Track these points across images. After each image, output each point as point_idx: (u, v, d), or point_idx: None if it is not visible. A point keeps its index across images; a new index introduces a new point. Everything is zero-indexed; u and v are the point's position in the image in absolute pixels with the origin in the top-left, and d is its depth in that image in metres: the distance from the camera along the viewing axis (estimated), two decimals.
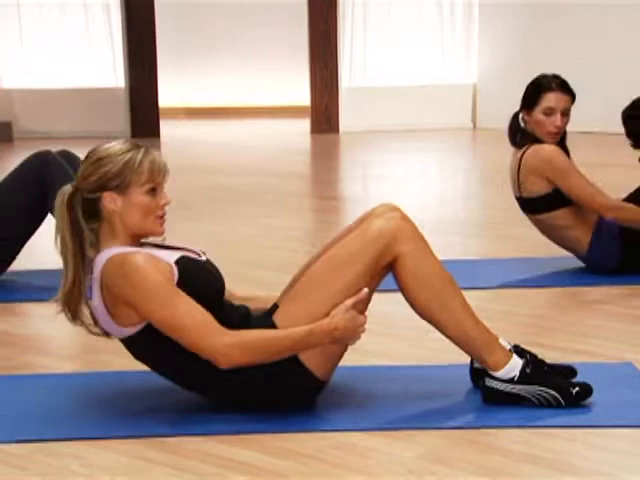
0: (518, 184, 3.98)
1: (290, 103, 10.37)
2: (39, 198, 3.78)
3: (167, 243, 2.68)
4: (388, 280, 2.66)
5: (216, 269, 2.66)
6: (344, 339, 2.53)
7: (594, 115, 8.49)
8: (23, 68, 9.14)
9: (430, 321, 2.64)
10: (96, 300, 2.52)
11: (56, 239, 2.54)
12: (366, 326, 2.55)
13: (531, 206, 3.98)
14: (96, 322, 2.57)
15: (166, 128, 9.29)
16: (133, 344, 2.55)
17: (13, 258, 3.93)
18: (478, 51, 9.34)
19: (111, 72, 9.21)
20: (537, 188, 3.92)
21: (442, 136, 8.86)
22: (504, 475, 2.25)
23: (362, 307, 2.57)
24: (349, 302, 2.51)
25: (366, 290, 2.53)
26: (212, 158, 7.92)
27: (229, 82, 10.69)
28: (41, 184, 3.78)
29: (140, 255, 2.48)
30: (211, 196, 6.15)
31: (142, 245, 2.59)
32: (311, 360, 2.53)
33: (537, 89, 3.91)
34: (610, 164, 6.84)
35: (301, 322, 2.51)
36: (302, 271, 2.71)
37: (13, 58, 9.13)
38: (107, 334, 2.59)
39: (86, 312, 2.57)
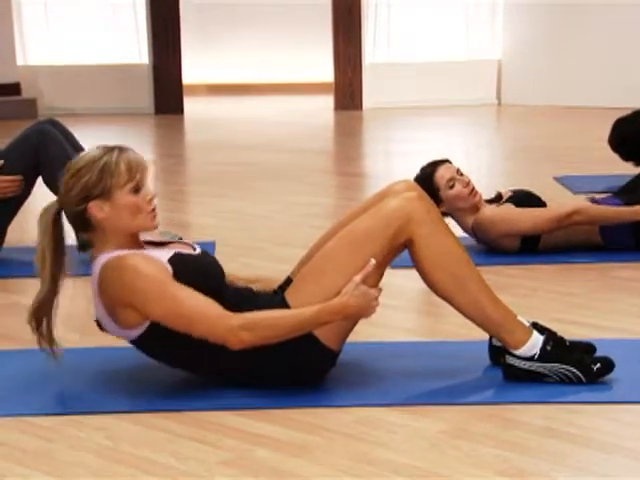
0: (502, 250, 3.96)
1: (314, 79, 10.36)
2: (32, 167, 3.92)
3: (160, 240, 2.71)
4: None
5: (212, 259, 2.68)
6: (358, 315, 2.54)
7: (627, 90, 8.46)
8: (48, 45, 9.17)
9: (447, 301, 2.64)
10: (99, 307, 2.57)
11: (36, 255, 2.57)
12: (380, 299, 2.55)
13: (527, 250, 3.94)
14: (102, 329, 2.61)
15: (189, 105, 9.31)
16: (142, 344, 2.58)
17: (7, 223, 4.01)
18: (503, 27, 9.29)
19: (135, 49, 9.23)
20: (511, 244, 3.93)
21: (466, 112, 8.83)
22: (526, 450, 2.26)
23: (374, 281, 2.56)
24: (357, 278, 2.50)
25: (373, 262, 2.52)
26: (235, 135, 7.92)
27: (253, 59, 10.69)
28: (36, 154, 3.91)
29: (133, 256, 2.50)
30: (234, 172, 6.16)
31: (135, 245, 2.60)
32: (322, 332, 2.53)
33: (429, 181, 3.88)
34: None
35: (314, 300, 2.51)
36: (316, 247, 2.72)
37: (38, 35, 9.16)
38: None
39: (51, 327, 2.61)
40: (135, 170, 2.53)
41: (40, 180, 4.00)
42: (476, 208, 3.96)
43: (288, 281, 2.68)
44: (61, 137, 3.96)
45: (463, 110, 8.91)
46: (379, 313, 2.58)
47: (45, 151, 3.90)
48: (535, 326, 2.67)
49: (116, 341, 3.10)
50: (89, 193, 2.51)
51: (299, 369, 2.57)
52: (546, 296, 3.47)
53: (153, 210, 2.57)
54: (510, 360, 2.62)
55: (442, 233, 2.61)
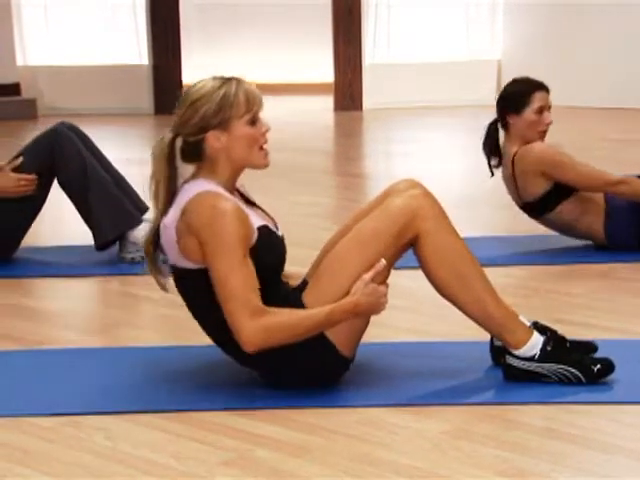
0: (518, 191, 3.98)
1: (314, 80, 10.35)
2: (47, 167, 3.89)
3: (248, 195, 2.70)
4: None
5: (285, 249, 2.68)
6: (369, 312, 2.56)
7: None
8: (48, 45, 9.16)
9: (450, 299, 2.64)
10: (169, 220, 2.53)
11: (150, 185, 2.56)
12: (388, 296, 2.55)
13: (536, 209, 3.96)
14: (157, 242, 2.58)
15: None
16: (185, 277, 2.56)
17: (26, 227, 3.99)
18: (503, 27, 9.28)
19: (135, 49, 9.23)
20: (537, 188, 3.92)
21: (466, 113, 8.82)
22: (527, 450, 2.26)
23: (382, 278, 2.57)
24: (367, 276, 2.52)
25: (383, 262, 2.54)
26: None
27: (254, 59, 10.68)
28: (51, 153, 3.89)
29: (229, 203, 2.49)
30: None
31: (233, 187, 2.60)
32: (337, 337, 2.55)
33: (526, 91, 3.92)
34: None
35: (329, 301, 2.52)
36: (327, 249, 2.73)
37: (38, 36, 9.16)
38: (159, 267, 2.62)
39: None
40: (252, 102, 2.56)
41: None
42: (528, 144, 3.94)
43: (304, 282, 2.68)
44: (76, 138, 3.95)
45: (463, 110, 8.90)
46: (382, 313, 2.58)
47: (60, 150, 3.89)
48: (536, 325, 2.67)
49: (116, 342, 3.10)
50: (207, 123, 2.52)
51: (314, 372, 2.58)
52: (547, 296, 3.47)
53: (265, 146, 2.59)
54: (510, 360, 2.61)
55: (447, 231, 2.62)
